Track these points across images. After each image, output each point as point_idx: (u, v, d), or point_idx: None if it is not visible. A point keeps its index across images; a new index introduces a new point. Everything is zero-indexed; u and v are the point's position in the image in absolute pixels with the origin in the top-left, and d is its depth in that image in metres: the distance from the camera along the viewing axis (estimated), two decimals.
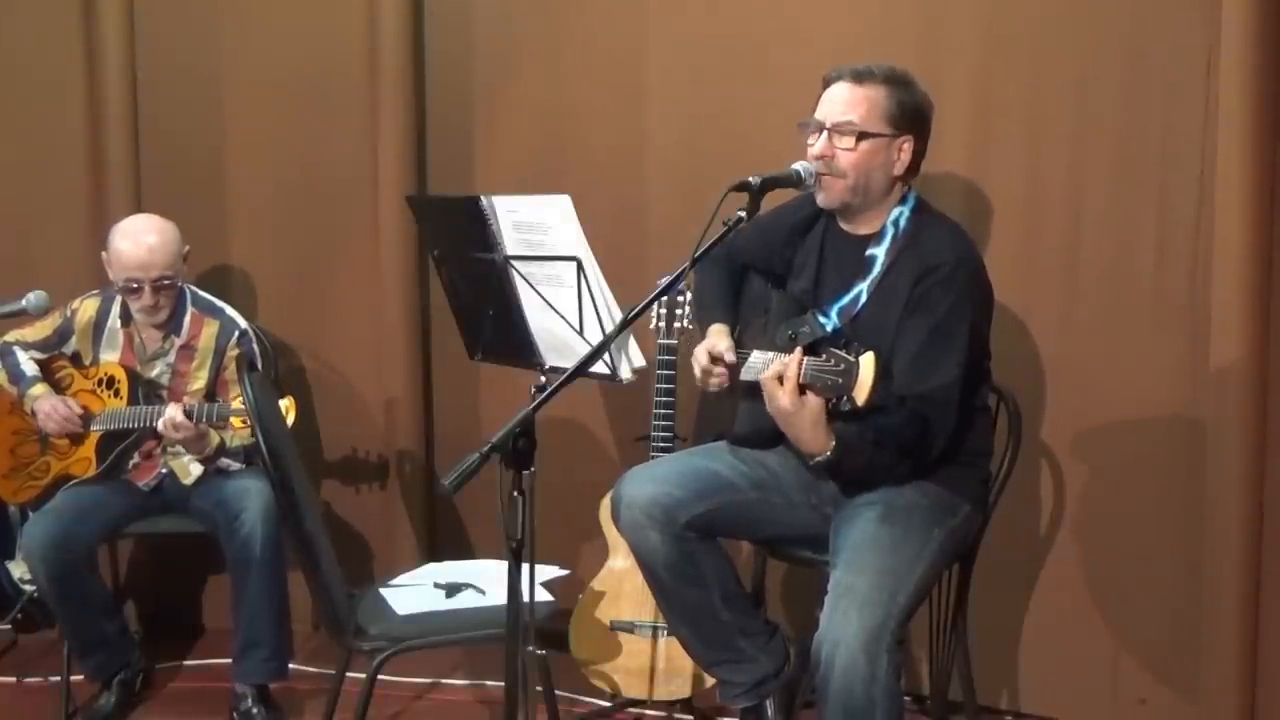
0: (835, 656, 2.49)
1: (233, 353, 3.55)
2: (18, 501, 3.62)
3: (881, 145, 2.72)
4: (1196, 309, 3.14)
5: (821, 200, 2.77)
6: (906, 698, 3.21)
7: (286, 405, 3.29)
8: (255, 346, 3.61)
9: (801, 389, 2.50)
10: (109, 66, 4.00)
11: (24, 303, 3.31)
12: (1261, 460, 3.08)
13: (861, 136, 2.70)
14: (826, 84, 2.77)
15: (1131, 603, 3.31)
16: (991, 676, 3.40)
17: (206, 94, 4.05)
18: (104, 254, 3.50)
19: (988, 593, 3.18)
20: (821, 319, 2.74)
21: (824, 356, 2.46)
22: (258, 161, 4.05)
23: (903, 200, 2.78)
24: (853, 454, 2.58)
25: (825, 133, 2.72)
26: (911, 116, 2.74)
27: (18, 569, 3.90)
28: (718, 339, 2.85)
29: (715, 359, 2.79)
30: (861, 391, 2.40)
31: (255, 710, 3.43)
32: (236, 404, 3.38)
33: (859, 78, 2.73)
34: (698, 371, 2.83)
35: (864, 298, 2.74)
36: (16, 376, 3.55)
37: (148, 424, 3.44)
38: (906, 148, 2.74)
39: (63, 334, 3.59)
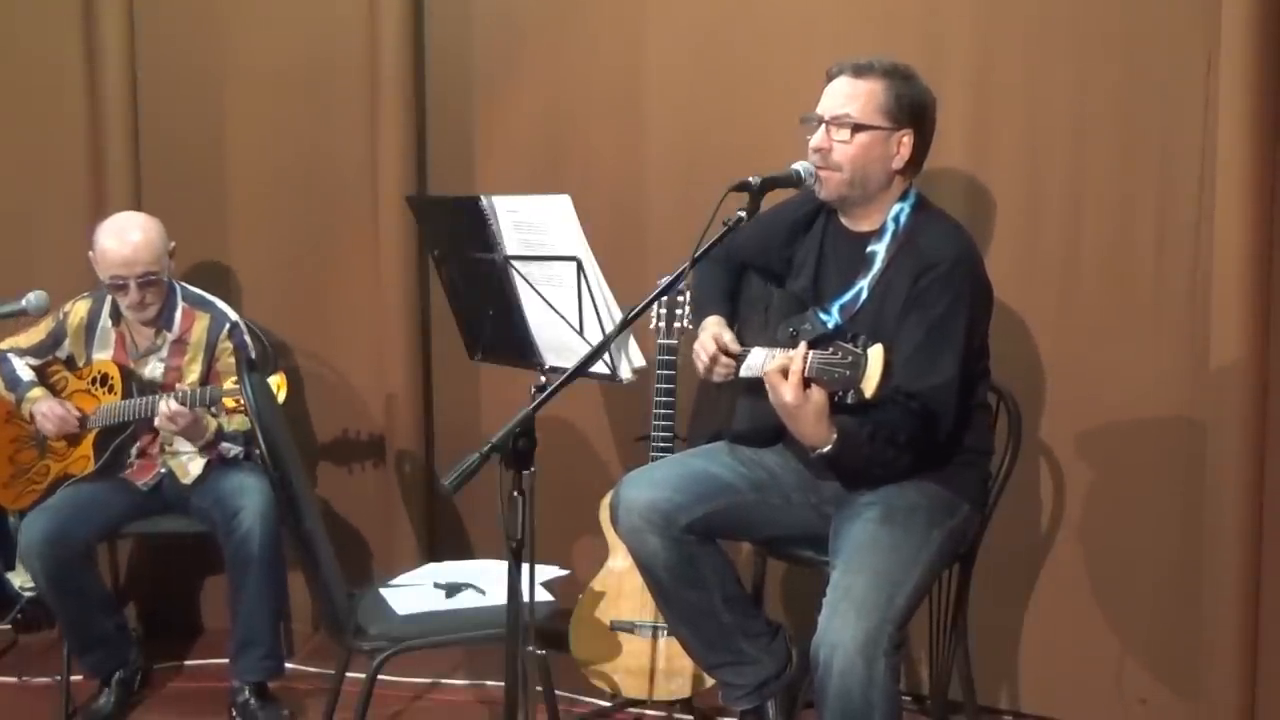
0: (833, 660, 2.49)
1: (225, 345, 3.56)
2: (18, 507, 3.61)
3: (879, 138, 2.72)
4: (1196, 309, 3.13)
5: (820, 193, 2.77)
6: (906, 697, 3.22)
7: (278, 382, 3.28)
8: (246, 338, 3.61)
9: (806, 383, 2.50)
10: (109, 66, 4.00)
11: (24, 303, 3.32)
12: (1261, 460, 3.08)
13: (857, 129, 2.70)
14: (829, 78, 2.78)
15: (1131, 603, 3.31)
16: (991, 676, 3.40)
17: (206, 93, 4.05)
18: (90, 253, 3.50)
19: (988, 593, 3.17)
20: (823, 316, 2.74)
21: (830, 350, 2.46)
22: (258, 161, 4.05)
23: (903, 197, 2.78)
24: (852, 447, 2.57)
25: (823, 125, 2.73)
26: (910, 110, 2.73)
27: (18, 579, 3.89)
28: (719, 329, 2.85)
29: (722, 349, 2.79)
30: (870, 384, 2.40)
31: (253, 703, 3.44)
32: (229, 384, 3.38)
33: (859, 71, 2.73)
34: (704, 358, 2.81)
35: (865, 294, 2.74)
36: (13, 383, 3.56)
37: (144, 415, 3.44)
38: (906, 141, 2.73)
39: (56, 337, 3.60)
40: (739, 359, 2.76)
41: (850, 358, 2.42)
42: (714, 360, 2.80)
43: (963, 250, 2.73)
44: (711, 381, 2.86)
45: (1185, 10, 3.10)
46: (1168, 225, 3.17)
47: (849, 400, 2.45)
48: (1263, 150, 3.01)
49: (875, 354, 2.40)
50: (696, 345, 2.86)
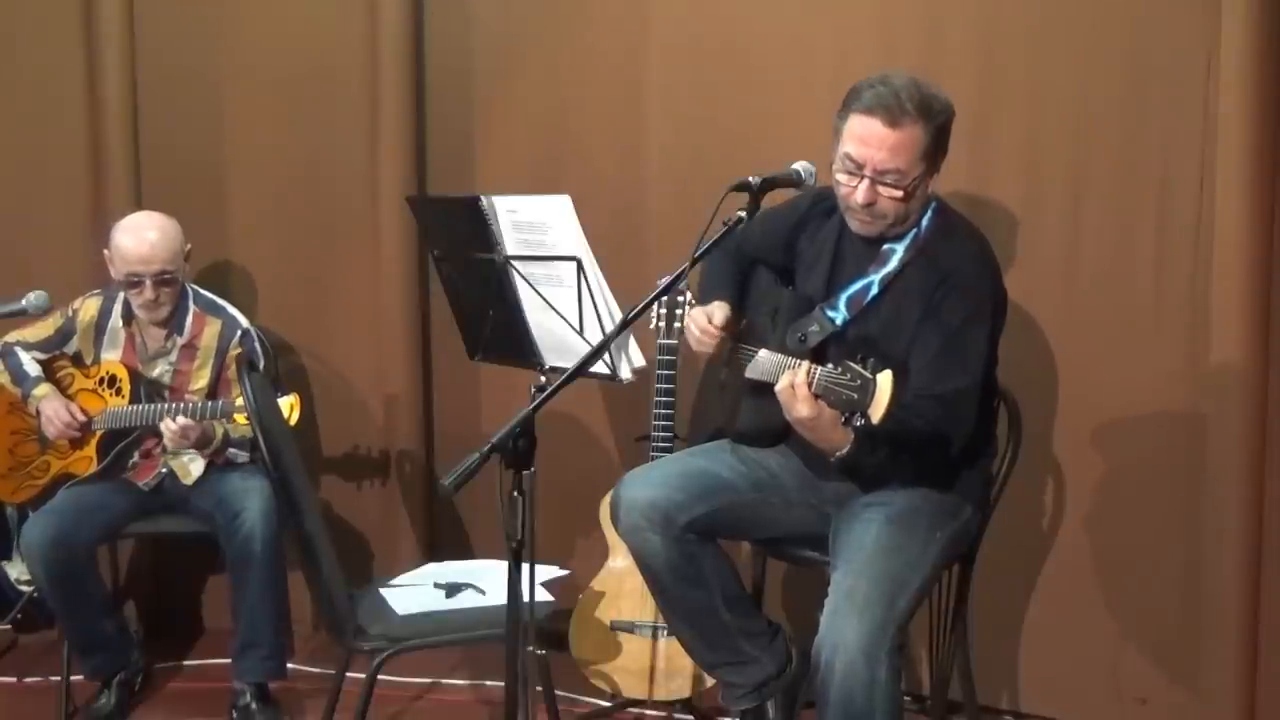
0: (835, 660, 2.49)
1: (234, 352, 3.56)
2: (16, 501, 3.62)
3: (925, 182, 2.66)
4: (1196, 309, 3.13)
5: (857, 229, 2.72)
6: (906, 698, 3.21)
7: (290, 403, 3.29)
8: (257, 346, 3.61)
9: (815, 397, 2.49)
10: (109, 66, 3.99)
11: (24, 303, 3.31)
12: (1261, 460, 3.08)
13: (910, 191, 2.62)
14: (850, 106, 2.64)
15: (1132, 602, 3.31)
16: (991, 676, 3.40)
17: (206, 94, 4.05)
18: (106, 251, 3.51)
19: (988, 593, 3.18)
20: (830, 313, 2.73)
21: (839, 369, 2.44)
22: (258, 161, 4.05)
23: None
24: (869, 449, 2.57)
25: (868, 180, 2.62)
26: (943, 140, 2.66)
27: (14, 569, 3.90)
28: (715, 309, 2.83)
29: (710, 322, 2.79)
30: (878, 409, 2.38)
31: (254, 707, 3.43)
32: (240, 401, 3.38)
33: (894, 120, 2.57)
34: (694, 330, 2.81)
35: (875, 289, 2.72)
36: (20, 377, 3.55)
37: (149, 423, 3.44)
38: (939, 167, 2.69)
39: (64, 334, 3.59)
40: (744, 356, 2.75)
41: (859, 380, 2.40)
42: (704, 331, 2.79)
43: (984, 260, 2.72)
44: (700, 354, 2.84)
45: (1185, 10, 3.10)
46: (1168, 225, 3.17)
47: (855, 423, 2.44)
48: (1263, 150, 3.01)
49: (885, 380, 2.39)
50: (687, 319, 2.85)
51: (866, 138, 2.61)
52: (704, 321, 2.81)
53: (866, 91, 2.62)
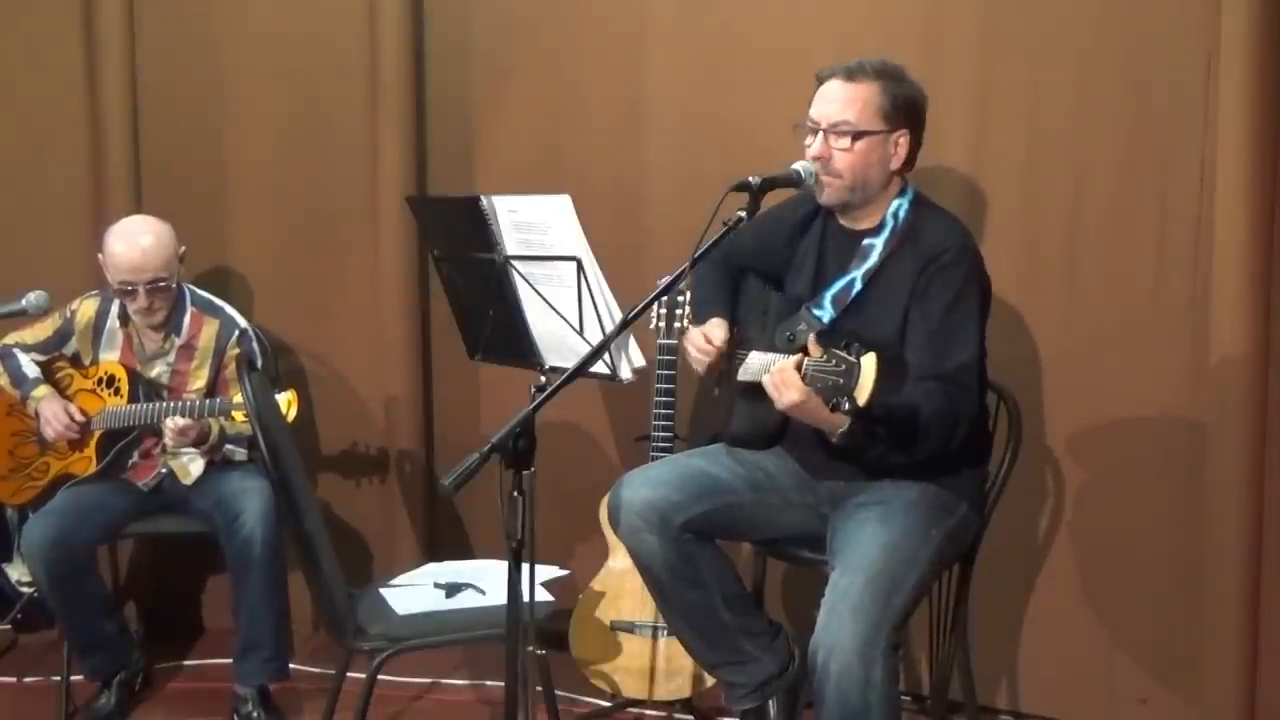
0: (830, 661, 2.49)
1: (233, 351, 3.56)
2: (16, 502, 3.62)
3: (878, 142, 2.71)
4: (1196, 309, 3.13)
5: (821, 199, 2.77)
6: (906, 697, 3.22)
7: (288, 399, 3.29)
8: (255, 345, 3.61)
9: None
10: (109, 66, 3.99)
11: (24, 303, 3.31)
12: (1261, 460, 3.08)
13: (857, 136, 2.69)
14: (819, 82, 2.77)
15: (1131, 603, 3.31)
16: (991, 676, 3.40)
17: (206, 94, 4.05)
18: (100, 256, 3.50)
19: (988, 593, 3.18)
20: (816, 311, 2.74)
21: (824, 356, 2.45)
22: (258, 161, 4.05)
23: (901, 193, 2.78)
24: (871, 430, 2.57)
25: (821, 134, 2.72)
26: (905, 110, 2.73)
27: (15, 571, 3.90)
28: (713, 328, 2.86)
29: (709, 341, 2.82)
30: (863, 392, 2.38)
31: (256, 714, 3.43)
32: (238, 398, 3.38)
33: (850, 75, 2.72)
34: (693, 351, 2.84)
35: (858, 285, 2.74)
36: (19, 379, 3.55)
37: (147, 422, 3.44)
38: (903, 141, 2.73)
39: (63, 335, 3.59)
40: (736, 360, 2.76)
41: (844, 365, 2.40)
42: (702, 352, 2.82)
43: (966, 240, 2.75)
44: (705, 379, 2.86)
45: (1185, 11, 3.10)
46: (1168, 226, 3.17)
47: (844, 409, 2.43)
48: (1263, 151, 3.00)
49: (869, 362, 2.38)
50: (685, 340, 2.88)
51: (824, 94, 2.74)
52: (701, 341, 2.84)
53: (837, 65, 2.75)
